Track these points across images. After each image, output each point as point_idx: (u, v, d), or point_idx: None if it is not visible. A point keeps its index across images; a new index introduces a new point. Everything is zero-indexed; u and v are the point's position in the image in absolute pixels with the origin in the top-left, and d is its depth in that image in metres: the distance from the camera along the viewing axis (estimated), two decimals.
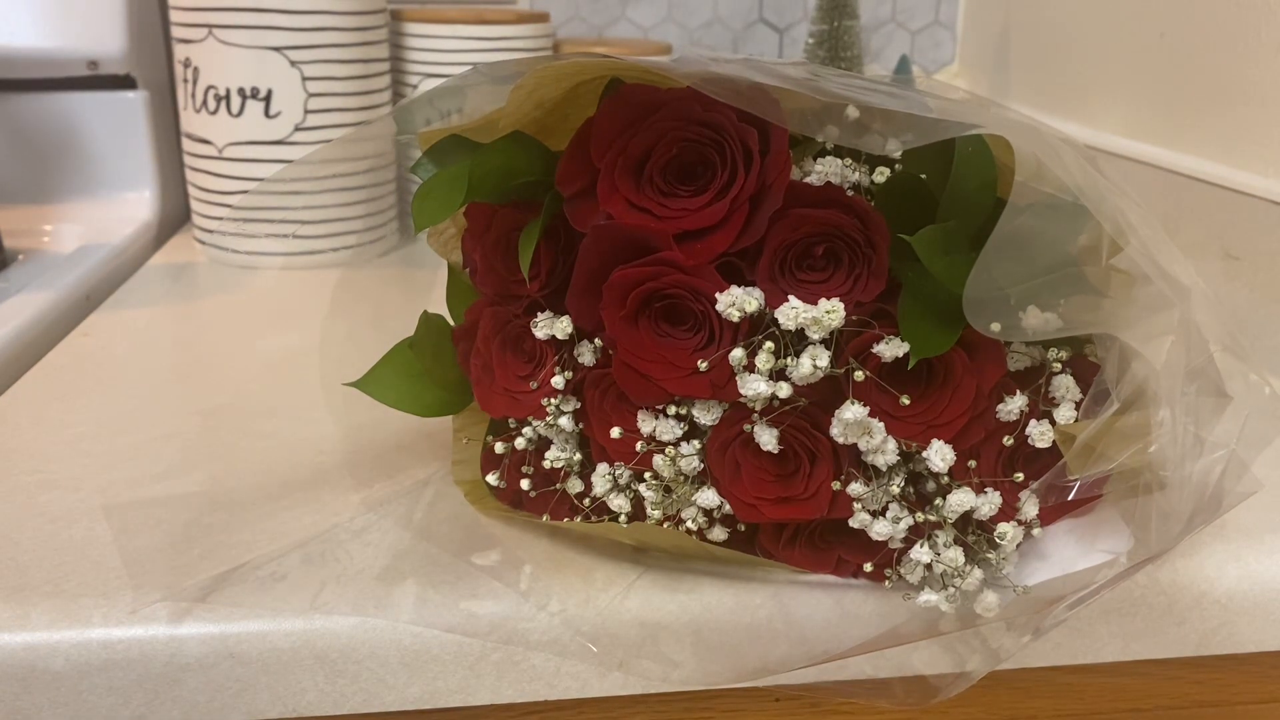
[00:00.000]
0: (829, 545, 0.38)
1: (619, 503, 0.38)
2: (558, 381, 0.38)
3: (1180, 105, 0.70)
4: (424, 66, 0.83)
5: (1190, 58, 0.69)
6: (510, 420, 0.41)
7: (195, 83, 0.76)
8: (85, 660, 0.36)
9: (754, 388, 0.34)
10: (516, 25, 0.83)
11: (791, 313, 0.34)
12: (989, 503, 0.35)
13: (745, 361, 0.35)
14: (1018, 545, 0.36)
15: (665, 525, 0.38)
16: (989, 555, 0.36)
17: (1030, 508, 0.36)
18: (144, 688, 0.37)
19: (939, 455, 0.35)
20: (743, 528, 0.39)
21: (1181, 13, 0.69)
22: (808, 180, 0.36)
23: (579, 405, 0.39)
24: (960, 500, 0.35)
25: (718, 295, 0.35)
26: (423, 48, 0.83)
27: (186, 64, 0.76)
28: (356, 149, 0.68)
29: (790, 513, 0.37)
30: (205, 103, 0.75)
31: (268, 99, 0.74)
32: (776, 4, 1.08)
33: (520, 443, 0.41)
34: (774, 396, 0.35)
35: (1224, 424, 0.36)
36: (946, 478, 0.36)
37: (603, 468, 0.39)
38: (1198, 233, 0.66)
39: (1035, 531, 0.36)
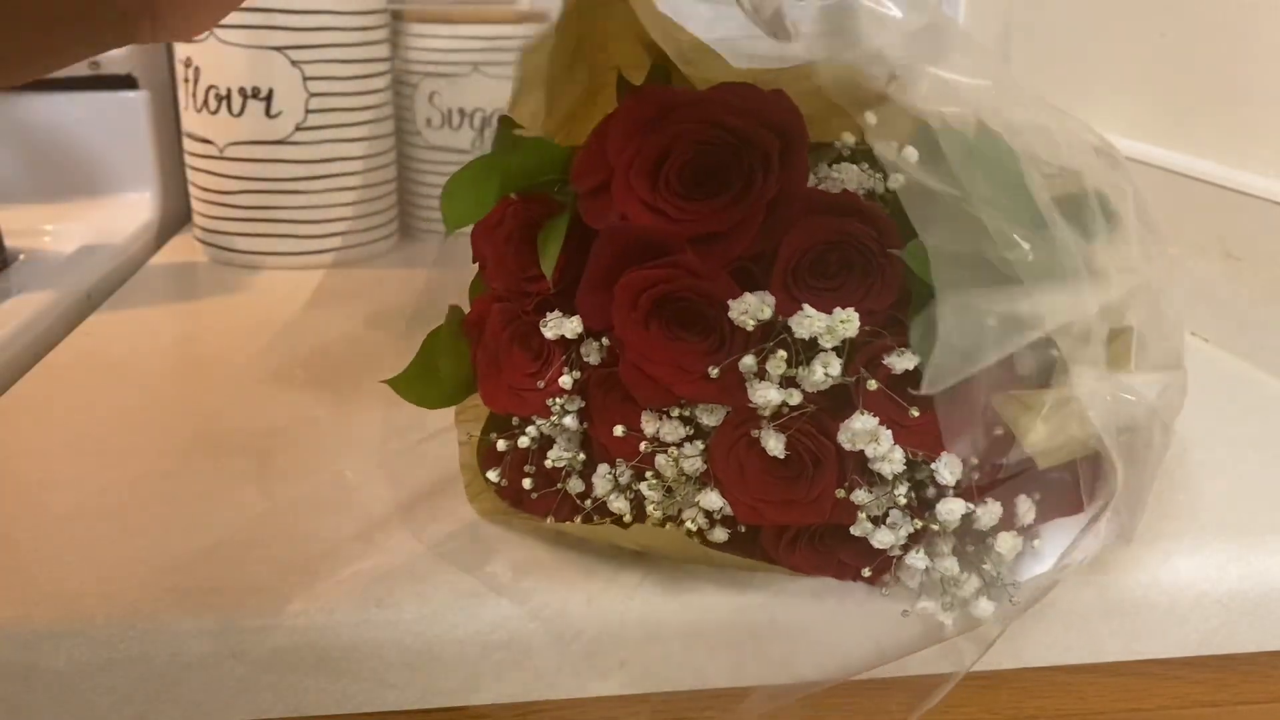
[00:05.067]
0: (830, 549, 0.38)
1: (620, 505, 0.38)
2: (565, 381, 0.38)
3: (1180, 105, 0.70)
4: (424, 66, 0.83)
5: (1190, 58, 0.69)
6: (513, 418, 0.41)
7: (196, 82, 0.76)
8: (87, 659, 0.36)
9: (764, 395, 0.34)
10: (516, 25, 0.83)
11: (806, 321, 0.34)
12: (989, 513, 0.35)
13: (756, 369, 0.35)
14: (1017, 555, 0.36)
15: (667, 526, 0.38)
16: (985, 567, 0.36)
17: (1028, 513, 0.36)
18: (145, 687, 0.37)
19: (948, 469, 0.35)
20: (743, 529, 0.39)
21: (1181, 13, 0.69)
22: (823, 187, 0.36)
23: (583, 405, 0.39)
24: (951, 509, 0.35)
25: (731, 303, 0.35)
26: (423, 47, 0.83)
27: (188, 64, 0.76)
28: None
29: (792, 516, 0.37)
30: (206, 102, 0.75)
31: (269, 99, 0.74)
32: None
33: (524, 441, 0.40)
34: (784, 403, 0.35)
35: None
36: (951, 490, 0.36)
37: (604, 468, 0.39)
38: (1198, 233, 0.66)
39: (1036, 543, 0.36)
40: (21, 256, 0.76)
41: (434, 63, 0.83)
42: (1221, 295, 0.64)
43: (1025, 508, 0.36)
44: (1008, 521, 0.36)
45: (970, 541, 0.37)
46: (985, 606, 0.36)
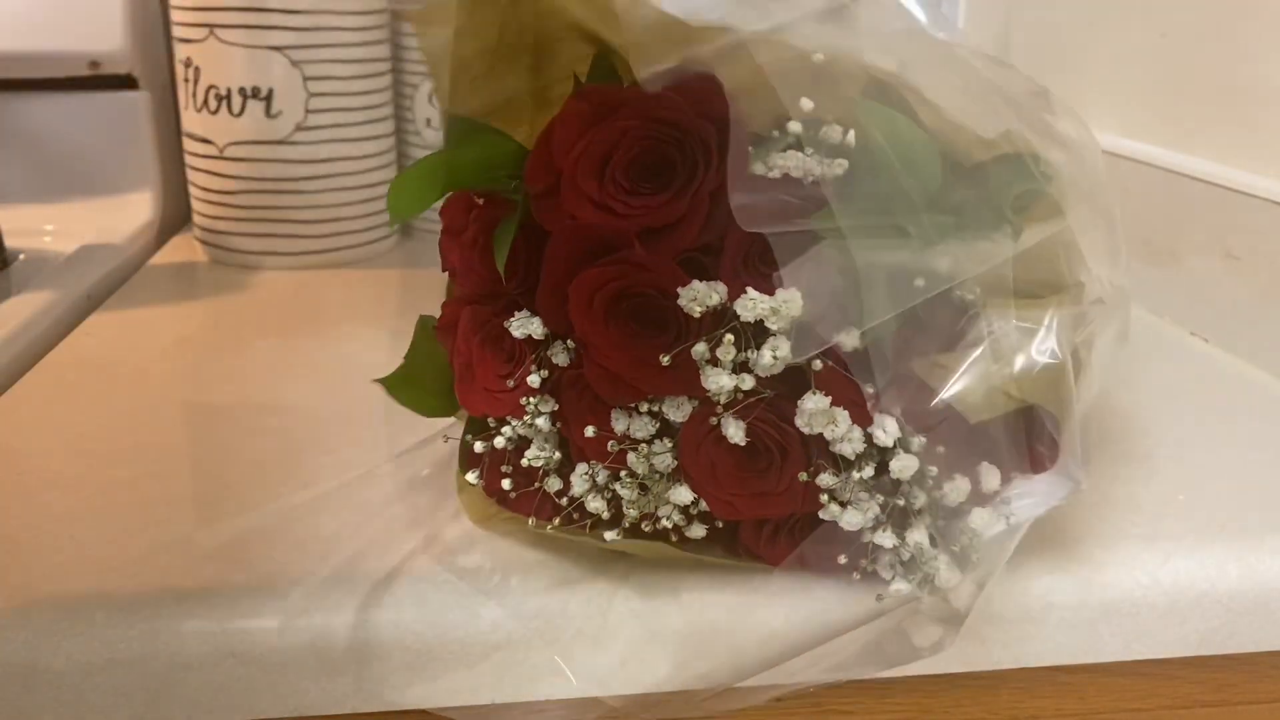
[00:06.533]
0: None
1: (597, 505, 0.38)
2: (534, 380, 0.38)
3: (1180, 105, 0.70)
4: (424, 66, 0.83)
5: (1190, 58, 0.69)
6: (490, 419, 0.42)
7: (196, 82, 0.76)
8: (87, 659, 0.36)
9: (717, 381, 0.35)
10: None
11: (749, 304, 0.34)
12: (957, 489, 0.36)
13: (708, 355, 0.35)
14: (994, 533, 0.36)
15: (644, 525, 0.38)
16: (955, 549, 0.36)
17: (992, 480, 0.36)
18: (145, 687, 0.37)
19: (884, 429, 0.35)
20: (721, 524, 0.39)
21: (1182, 13, 0.69)
22: (771, 175, 0.36)
23: (557, 407, 0.39)
24: (904, 465, 0.35)
25: (679, 290, 0.35)
26: None
27: (188, 64, 0.76)
28: None
29: (766, 508, 0.37)
30: (206, 102, 0.75)
31: (268, 99, 0.74)
32: None
33: (500, 442, 0.41)
34: (737, 389, 0.35)
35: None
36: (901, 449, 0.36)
37: (582, 467, 0.39)
38: (1198, 233, 0.66)
39: (1012, 520, 0.36)
40: (21, 256, 0.76)
41: None
42: (1221, 295, 0.64)
43: (989, 475, 0.36)
44: (976, 495, 0.36)
45: (941, 517, 0.37)
46: (951, 575, 0.36)
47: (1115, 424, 0.53)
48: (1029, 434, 0.37)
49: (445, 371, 0.43)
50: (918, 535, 0.36)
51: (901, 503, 0.36)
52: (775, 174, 0.36)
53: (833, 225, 0.34)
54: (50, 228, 0.82)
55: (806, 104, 0.36)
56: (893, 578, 0.37)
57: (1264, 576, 0.42)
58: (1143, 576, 0.41)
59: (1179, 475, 0.48)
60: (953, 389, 0.35)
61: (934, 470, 0.36)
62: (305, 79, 0.75)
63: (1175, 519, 0.44)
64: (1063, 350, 0.36)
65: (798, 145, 0.37)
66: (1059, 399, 0.37)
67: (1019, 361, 0.36)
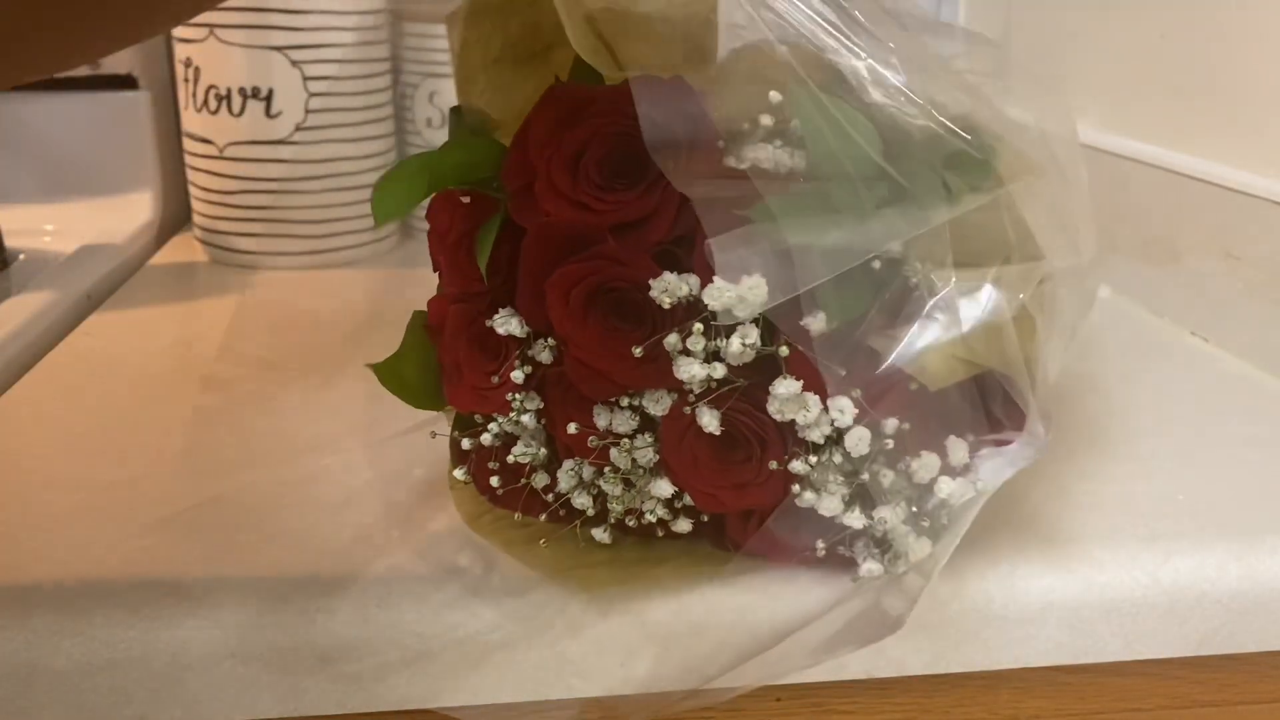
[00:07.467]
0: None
1: (582, 501, 0.38)
2: (517, 376, 0.38)
3: (1180, 105, 0.70)
4: (424, 66, 0.83)
5: (1190, 58, 0.69)
6: (477, 416, 0.42)
7: (196, 82, 0.76)
8: (87, 659, 0.36)
9: (689, 370, 0.35)
10: None
11: (716, 293, 0.34)
12: (926, 466, 0.36)
13: (680, 346, 0.35)
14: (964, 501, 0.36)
15: (629, 521, 0.38)
16: (925, 524, 0.36)
17: (960, 453, 0.36)
18: (145, 687, 0.37)
19: (840, 409, 0.35)
20: (706, 518, 0.39)
21: (1181, 13, 0.69)
22: (744, 167, 0.37)
23: (542, 404, 0.39)
24: (859, 437, 0.35)
25: (651, 282, 0.35)
26: (423, 47, 0.83)
27: (188, 64, 0.76)
28: None
29: (747, 499, 0.37)
30: (206, 102, 0.75)
31: (269, 99, 0.75)
32: None
33: (486, 439, 0.41)
34: (710, 378, 0.35)
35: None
36: (890, 442, 0.36)
37: (568, 464, 0.39)
38: (1198, 233, 0.66)
39: (979, 484, 0.36)
40: (21, 256, 0.76)
41: (434, 63, 0.83)
42: (1221, 295, 0.64)
43: (956, 448, 0.36)
44: (944, 468, 0.36)
45: (911, 489, 0.37)
46: (921, 545, 0.36)
47: (1115, 424, 0.53)
48: (984, 399, 0.37)
49: (433, 366, 0.43)
50: (884, 512, 0.36)
51: (866, 477, 0.36)
52: (746, 166, 0.36)
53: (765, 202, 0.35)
54: (50, 228, 0.82)
55: (776, 96, 0.36)
56: (865, 559, 0.37)
57: (1264, 576, 0.42)
58: (1143, 576, 0.41)
59: (1179, 475, 0.48)
60: (906, 355, 0.35)
61: (890, 444, 0.36)
62: (305, 79, 0.75)
63: (1175, 519, 0.44)
64: (1005, 305, 0.36)
65: (768, 138, 0.37)
66: (1008, 357, 0.37)
67: (964, 318, 0.36)
